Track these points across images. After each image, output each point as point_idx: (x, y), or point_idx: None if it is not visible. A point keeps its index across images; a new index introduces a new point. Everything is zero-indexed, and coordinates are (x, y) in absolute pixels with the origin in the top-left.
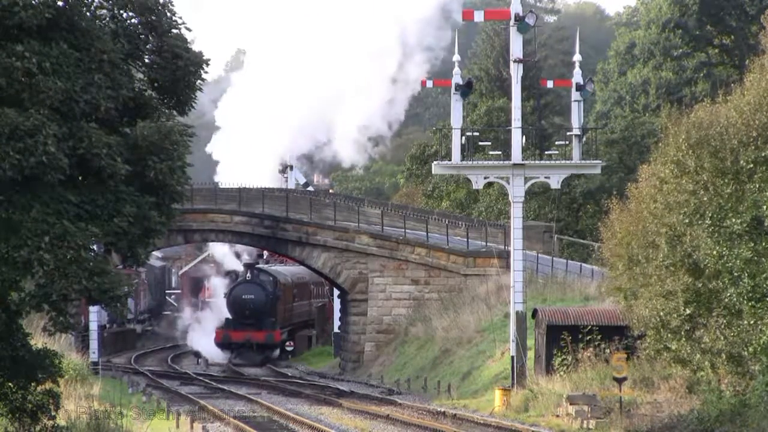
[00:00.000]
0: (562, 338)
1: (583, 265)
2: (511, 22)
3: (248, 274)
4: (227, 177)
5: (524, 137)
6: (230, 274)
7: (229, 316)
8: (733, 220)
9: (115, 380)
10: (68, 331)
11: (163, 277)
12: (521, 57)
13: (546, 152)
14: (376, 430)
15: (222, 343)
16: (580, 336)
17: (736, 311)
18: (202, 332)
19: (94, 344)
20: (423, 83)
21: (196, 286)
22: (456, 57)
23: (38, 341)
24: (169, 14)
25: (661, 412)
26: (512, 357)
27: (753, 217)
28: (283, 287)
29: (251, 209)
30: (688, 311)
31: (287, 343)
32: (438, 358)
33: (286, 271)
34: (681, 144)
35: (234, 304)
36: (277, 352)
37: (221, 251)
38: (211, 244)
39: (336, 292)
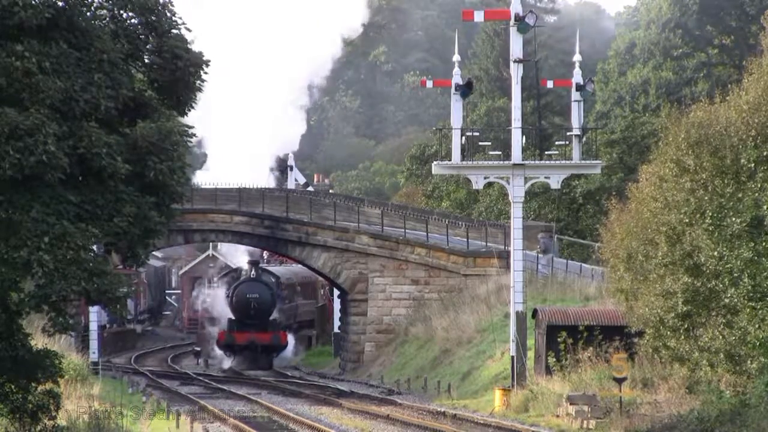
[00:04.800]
0: (561, 338)
1: (583, 265)
2: (511, 22)
3: (252, 273)
4: (227, 179)
5: (524, 137)
6: (231, 274)
7: (231, 316)
8: (733, 219)
9: (115, 380)
10: (67, 331)
11: (163, 277)
12: (521, 57)
13: (546, 152)
14: (376, 430)
15: (225, 344)
16: (580, 336)
17: (735, 311)
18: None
19: (94, 344)
20: (423, 83)
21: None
22: (456, 57)
23: (38, 341)
24: (169, 14)
25: (661, 412)
26: (512, 357)
27: (753, 217)
28: (284, 287)
29: (251, 209)
30: (685, 308)
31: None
32: (438, 358)
33: (286, 270)
34: (681, 143)
35: (238, 303)
36: (290, 353)
37: (227, 249)
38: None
39: (336, 292)
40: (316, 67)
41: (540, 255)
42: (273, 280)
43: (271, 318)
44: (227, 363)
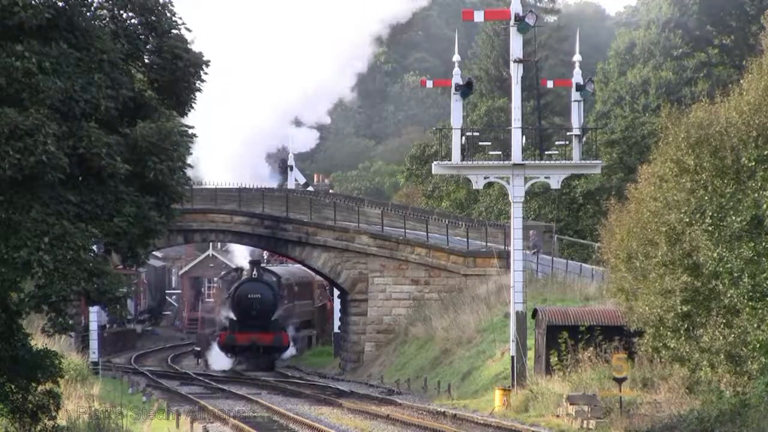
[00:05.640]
0: (561, 338)
1: (583, 265)
2: (511, 22)
3: (254, 272)
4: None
5: (524, 137)
6: (232, 273)
7: (232, 317)
8: (733, 218)
9: (115, 380)
10: (67, 332)
11: (163, 277)
12: (521, 57)
13: (546, 152)
14: (376, 430)
15: (226, 345)
16: (580, 336)
17: (735, 311)
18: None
19: (94, 344)
20: (423, 83)
21: (196, 287)
22: (456, 57)
23: (38, 341)
24: (168, 14)
25: (661, 412)
26: (512, 357)
27: (753, 216)
28: (285, 287)
29: (251, 209)
30: (684, 309)
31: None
32: (438, 358)
33: (284, 270)
34: (681, 143)
35: (239, 303)
36: (290, 354)
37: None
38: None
39: (336, 292)
40: (360, 44)
41: (530, 253)
42: (274, 279)
43: (273, 318)
44: (228, 364)
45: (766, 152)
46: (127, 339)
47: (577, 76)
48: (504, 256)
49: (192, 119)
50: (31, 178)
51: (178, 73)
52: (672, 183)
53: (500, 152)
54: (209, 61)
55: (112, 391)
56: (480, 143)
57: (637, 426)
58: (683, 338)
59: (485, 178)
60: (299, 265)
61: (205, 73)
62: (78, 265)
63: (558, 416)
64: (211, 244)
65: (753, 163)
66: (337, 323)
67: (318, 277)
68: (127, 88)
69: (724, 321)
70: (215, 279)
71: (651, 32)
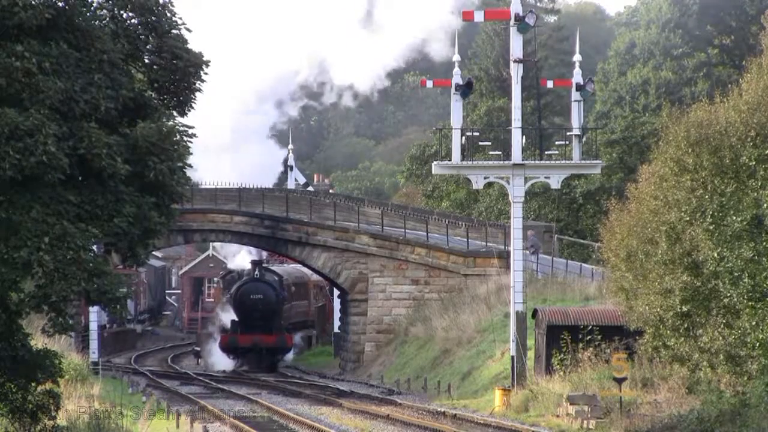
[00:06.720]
0: (562, 338)
1: (583, 265)
2: (511, 22)
3: (256, 273)
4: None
5: (524, 137)
6: (232, 273)
7: (234, 318)
8: (734, 218)
9: (115, 380)
10: (67, 332)
11: (163, 277)
12: (521, 57)
13: (546, 152)
14: (376, 430)
15: (228, 347)
16: (580, 336)
17: (735, 311)
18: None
19: (94, 344)
20: (423, 83)
21: (196, 287)
22: (456, 57)
23: (38, 341)
24: (168, 14)
25: (661, 412)
26: (512, 357)
27: (753, 216)
28: (286, 287)
29: (251, 209)
30: (684, 308)
31: None
32: (438, 358)
33: (283, 270)
34: (680, 142)
35: (241, 304)
36: (291, 355)
37: (229, 250)
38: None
39: (336, 292)
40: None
41: (529, 253)
42: (276, 279)
43: (276, 319)
44: (229, 364)
45: (766, 152)
46: (127, 339)
47: (577, 76)
48: (504, 256)
49: (193, 118)
50: (32, 178)
51: (178, 73)
52: (672, 182)
53: (500, 152)
54: (209, 61)
55: (112, 391)
56: (480, 143)
57: (637, 426)
58: (683, 338)
59: (485, 178)
60: (295, 265)
61: (205, 73)
62: (78, 266)
63: (558, 416)
64: (211, 244)
65: (753, 163)
66: (337, 323)
67: (314, 277)
68: (127, 88)
69: (724, 321)
70: (215, 279)
71: (651, 32)
